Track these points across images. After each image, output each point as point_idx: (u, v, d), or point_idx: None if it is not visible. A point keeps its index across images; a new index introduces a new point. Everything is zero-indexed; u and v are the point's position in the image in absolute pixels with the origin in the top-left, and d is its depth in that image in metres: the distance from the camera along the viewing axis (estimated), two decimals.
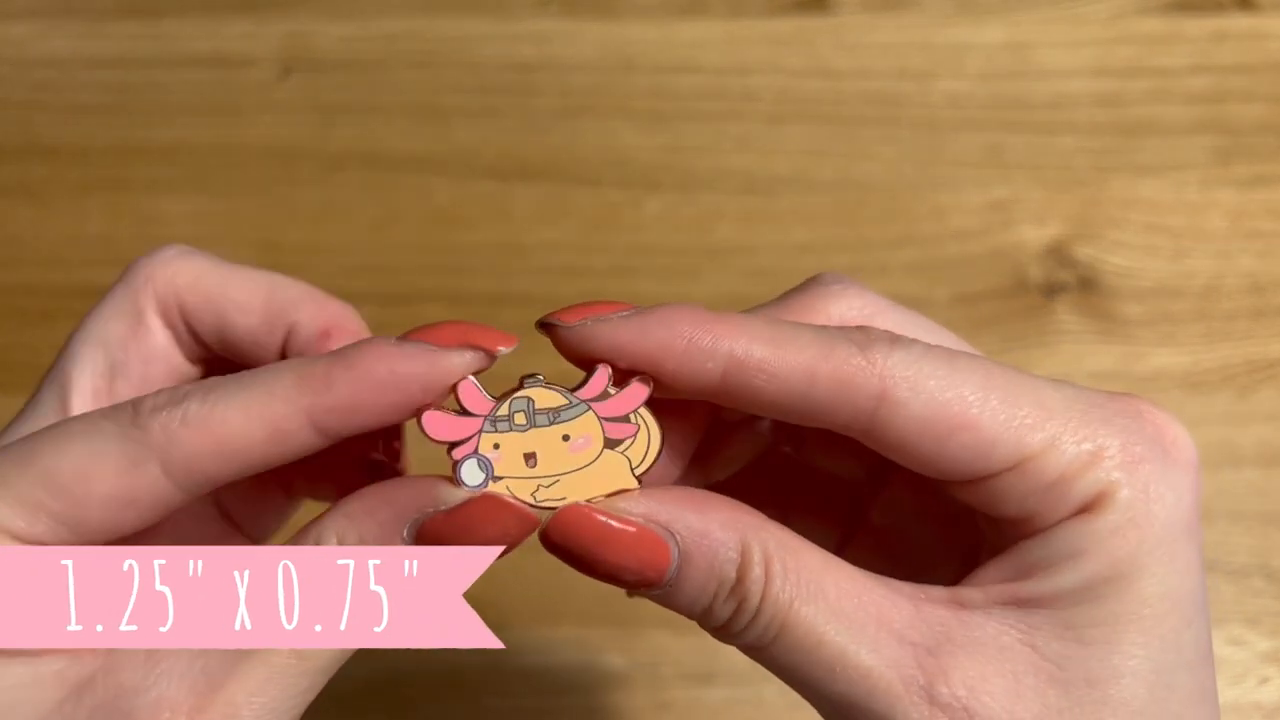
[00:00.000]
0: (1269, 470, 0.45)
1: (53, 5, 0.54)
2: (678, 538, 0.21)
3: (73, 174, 0.51)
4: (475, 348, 0.21)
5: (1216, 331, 0.48)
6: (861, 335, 0.22)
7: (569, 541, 0.21)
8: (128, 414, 0.21)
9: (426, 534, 0.21)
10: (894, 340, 0.22)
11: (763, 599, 0.21)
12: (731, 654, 0.42)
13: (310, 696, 0.22)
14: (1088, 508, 0.21)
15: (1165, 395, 0.46)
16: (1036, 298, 0.48)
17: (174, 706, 0.21)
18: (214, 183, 0.51)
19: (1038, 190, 0.50)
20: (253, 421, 0.21)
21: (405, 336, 0.22)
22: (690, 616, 0.22)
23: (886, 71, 0.52)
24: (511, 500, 0.21)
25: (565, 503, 0.21)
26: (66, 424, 0.22)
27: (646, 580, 0.21)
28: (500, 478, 0.21)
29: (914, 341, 0.22)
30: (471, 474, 0.21)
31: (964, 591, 0.22)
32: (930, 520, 0.27)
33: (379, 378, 0.21)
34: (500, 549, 0.21)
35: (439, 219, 0.50)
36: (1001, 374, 0.22)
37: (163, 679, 0.21)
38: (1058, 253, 0.49)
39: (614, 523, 0.21)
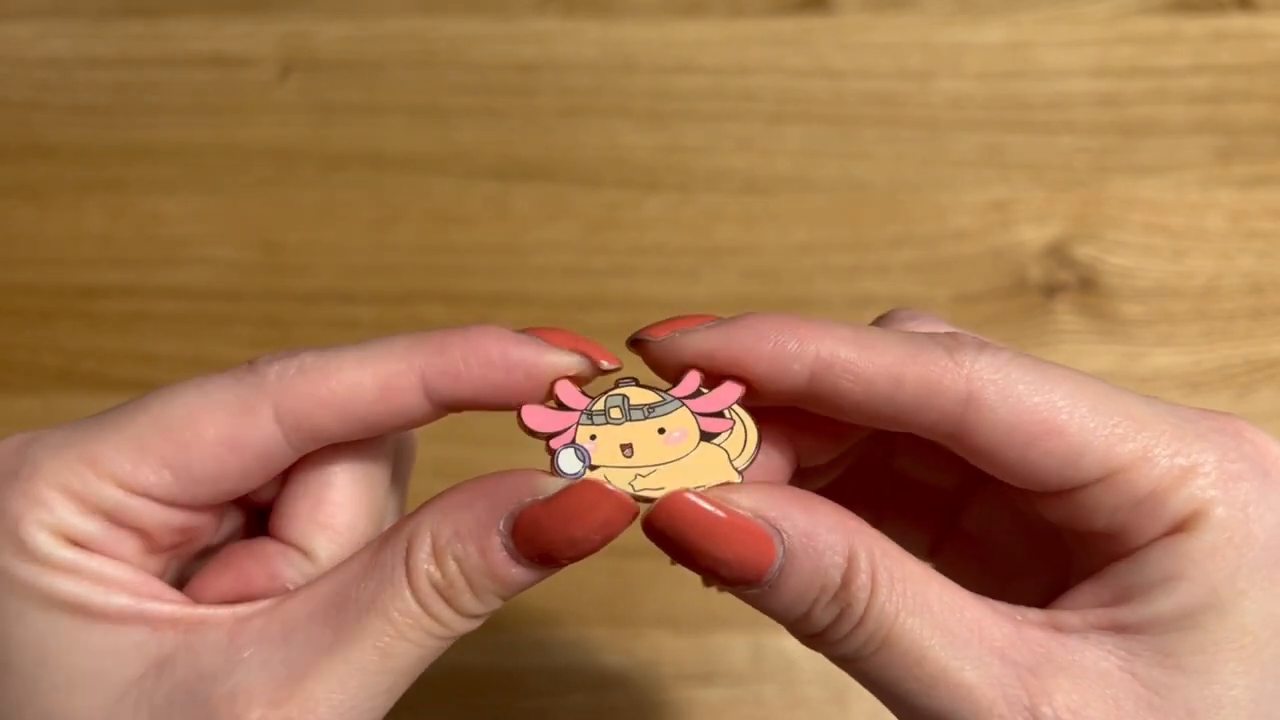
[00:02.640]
0: None
1: (53, 5, 0.54)
2: (784, 536, 0.21)
3: (73, 174, 0.51)
4: (581, 354, 0.22)
5: (1216, 331, 0.48)
6: (949, 339, 0.22)
7: (672, 529, 0.21)
8: (243, 366, 0.22)
9: (524, 525, 0.21)
10: (982, 345, 0.22)
11: (868, 608, 0.21)
12: (731, 654, 0.43)
13: (391, 699, 0.22)
14: (1181, 526, 0.21)
15: (1165, 395, 0.46)
16: (1036, 298, 0.48)
17: (251, 697, 0.20)
18: (214, 183, 0.51)
19: (1038, 190, 0.50)
20: (367, 373, 0.22)
21: (522, 331, 0.22)
22: (784, 621, 0.22)
23: (886, 71, 0.52)
24: (611, 487, 0.21)
25: (664, 493, 0.21)
26: (183, 381, 0.22)
27: (746, 577, 0.21)
28: (597, 466, 0.21)
29: (1002, 348, 0.22)
30: (569, 462, 0.21)
31: (1060, 615, 0.22)
32: (1022, 532, 0.26)
33: (490, 354, 0.22)
34: (598, 542, 0.21)
35: (439, 219, 0.50)
36: (1092, 385, 0.21)
37: (242, 667, 0.21)
38: (1058, 253, 0.49)
39: (720, 513, 0.21)
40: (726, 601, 0.25)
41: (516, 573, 0.21)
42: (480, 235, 0.50)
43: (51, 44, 0.53)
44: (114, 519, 0.22)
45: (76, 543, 0.21)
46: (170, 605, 0.22)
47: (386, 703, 0.22)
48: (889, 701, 0.22)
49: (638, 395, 0.22)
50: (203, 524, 0.23)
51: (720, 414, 0.22)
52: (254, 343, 0.48)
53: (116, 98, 0.52)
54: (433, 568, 0.21)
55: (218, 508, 0.23)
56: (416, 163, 0.51)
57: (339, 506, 0.23)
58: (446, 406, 0.22)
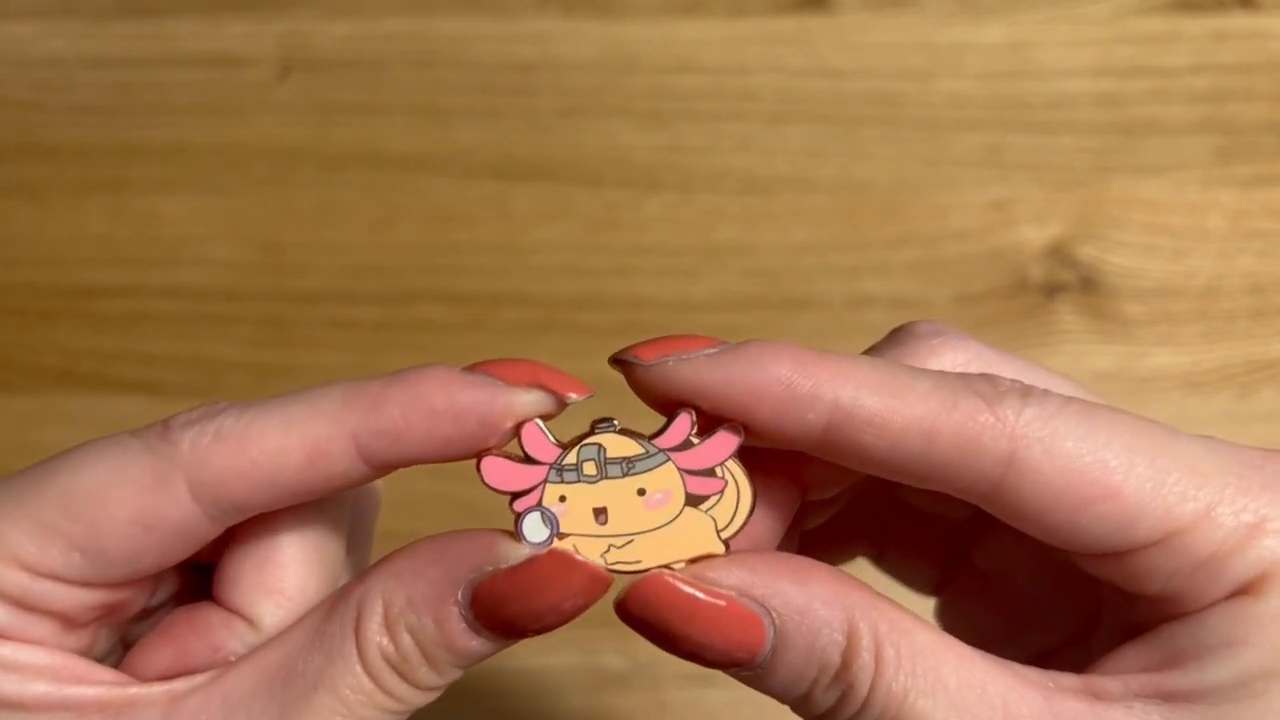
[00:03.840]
0: None
1: (52, 5, 0.54)
2: (774, 615, 0.19)
3: (73, 174, 0.51)
4: (544, 389, 0.19)
5: (1217, 331, 0.47)
6: (988, 386, 0.19)
7: (650, 615, 0.19)
8: (157, 430, 0.20)
9: (484, 595, 0.19)
10: (1025, 393, 0.19)
11: (872, 689, 0.19)
12: None
13: None
14: (1246, 589, 0.19)
15: (1165, 395, 0.46)
16: (1037, 298, 0.48)
17: None
18: (214, 183, 0.51)
19: (1038, 190, 0.50)
20: (291, 439, 0.19)
21: (472, 367, 0.20)
22: (784, 702, 0.20)
23: (887, 71, 0.52)
24: (581, 558, 0.19)
25: (639, 566, 0.19)
26: (91, 442, 0.20)
27: (735, 661, 0.19)
28: (566, 535, 0.19)
29: (1047, 394, 0.19)
30: (535, 530, 0.19)
31: (1099, 681, 0.19)
32: (1042, 572, 0.24)
33: (435, 404, 0.19)
34: (565, 616, 0.19)
35: (439, 219, 0.50)
36: (1147, 434, 0.19)
37: None
38: (1058, 252, 0.49)
39: (701, 595, 0.19)
40: None
41: (476, 645, 0.19)
42: (480, 235, 0.50)
43: (51, 44, 0.53)
44: (22, 604, 0.19)
45: None
46: (97, 687, 0.20)
47: None
48: None
49: (616, 445, 0.19)
50: (129, 597, 0.21)
51: (711, 471, 0.19)
52: (254, 342, 0.48)
53: (116, 98, 0.52)
54: (385, 640, 0.19)
55: (145, 580, 0.21)
56: (416, 163, 0.51)
57: (287, 568, 0.21)
58: (389, 468, 0.20)
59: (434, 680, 0.20)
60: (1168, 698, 0.19)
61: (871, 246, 0.49)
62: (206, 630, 0.21)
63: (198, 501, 0.19)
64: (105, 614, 0.21)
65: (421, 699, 0.20)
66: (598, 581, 0.19)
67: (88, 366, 0.48)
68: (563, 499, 0.19)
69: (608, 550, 0.19)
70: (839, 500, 0.24)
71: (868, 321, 0.48)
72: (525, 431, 0.19)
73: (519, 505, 0.19)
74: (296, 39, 0.53)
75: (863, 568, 0.28)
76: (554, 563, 0.19)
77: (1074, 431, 0.19)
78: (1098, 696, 0.19)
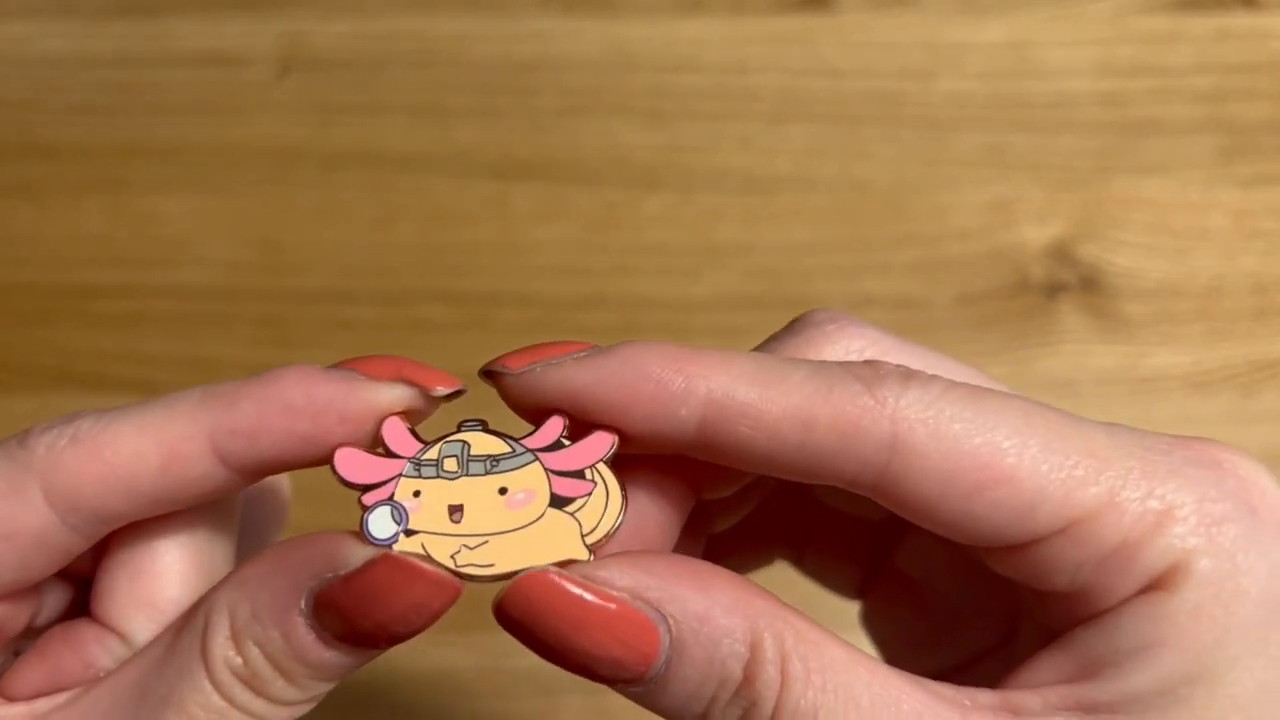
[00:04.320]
0: (1272, 471, 0.45)
1: (51, 4, 0.54)
2: (670, 621, 0.17)
3: (71, 174, 0.51)
4: (408, 383, 0.19)
5: (1219, 331, 0.47)
6: (868, 371, 0.18)
7: (532, 619, 0.17)
8: (17, 437, 0.19)
9: (324, 604, 0.17)
10: (908, 376, 0.18)
11: (778, 707, 0.17)
12: None
13: None
14: (1158, 583, 0.17)
15: (1167, 395, 0.46)
16: (1038, 297, 0.48)
17: None
18: (213, 183, 0.51)
19: (1039, 190, 0.50)
20: (146, 441, 0.18)
21: (337, 364, 0.19)
22: None
23: (888, 70, 0.52)
24: (420, 563, 0.17)
25: (492, 571, 0.17)
26: None
27: (626, 673, 0.18)
28: (415, 532, 0.18)
29: (933, 378, 0.18)
30: (381, 525, 0.18)
31: (1017, 696, 0.18)
32: (963, 573, 0.23)
33: (292, 400, 0.18)
34: (415, 626, 0.17)
35: (438, 218, 0.50)
36: (1042, 416, 0.18)
37: None
38: (1059, 252, 0.49)
39: (589, 596, 0.17)
40: None
41: (331, 657, 0.18)
42: (480, 235, 0.49)
43: (49, 43, 0.53)
44: None
45: None
46: None
47: None
48: None
49: (482, 443, 0.18)
50: (3, 613, 0.20)
51: (580, 473, 0.18)
52: (252, 342, 0.48)
53: (115, 97, 0.52)
54: (232, 653, 0.18)
55: (20, 595, 0.20)
56: (416, 162, 0.51)
57: (162, 579, 0.20)
58: (250, 471, 0.19)
59: (294, 695, 0.18)
60: (1088, 709, 0.18)
61: (872, 246, 0.49)
62: (80, 646, 0.20)
63: (54, 508, 0.18)
64: None
65: (285, 714, 0.19)
66: (442, 587, 0.17)
67: (86, 366, 0.48)
68: (417, 494, 0.18)
69: (459, 551, 0.18)
70: (746, 500, 0.23)
71: (869, 321, 0.48)
72: (387, 426, 0.18)
73: (368, 499, 0.18)
74: (296, 38, 0.53)
75: (784, 571, 0.27)
76: (391, 569, 0.17)
77: (960, 414, 0.18)
78: (1016, 713, 0.18)
